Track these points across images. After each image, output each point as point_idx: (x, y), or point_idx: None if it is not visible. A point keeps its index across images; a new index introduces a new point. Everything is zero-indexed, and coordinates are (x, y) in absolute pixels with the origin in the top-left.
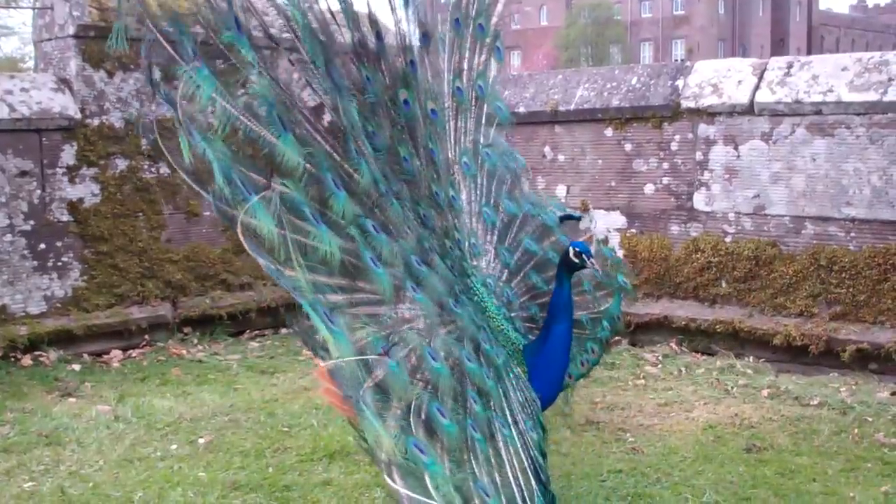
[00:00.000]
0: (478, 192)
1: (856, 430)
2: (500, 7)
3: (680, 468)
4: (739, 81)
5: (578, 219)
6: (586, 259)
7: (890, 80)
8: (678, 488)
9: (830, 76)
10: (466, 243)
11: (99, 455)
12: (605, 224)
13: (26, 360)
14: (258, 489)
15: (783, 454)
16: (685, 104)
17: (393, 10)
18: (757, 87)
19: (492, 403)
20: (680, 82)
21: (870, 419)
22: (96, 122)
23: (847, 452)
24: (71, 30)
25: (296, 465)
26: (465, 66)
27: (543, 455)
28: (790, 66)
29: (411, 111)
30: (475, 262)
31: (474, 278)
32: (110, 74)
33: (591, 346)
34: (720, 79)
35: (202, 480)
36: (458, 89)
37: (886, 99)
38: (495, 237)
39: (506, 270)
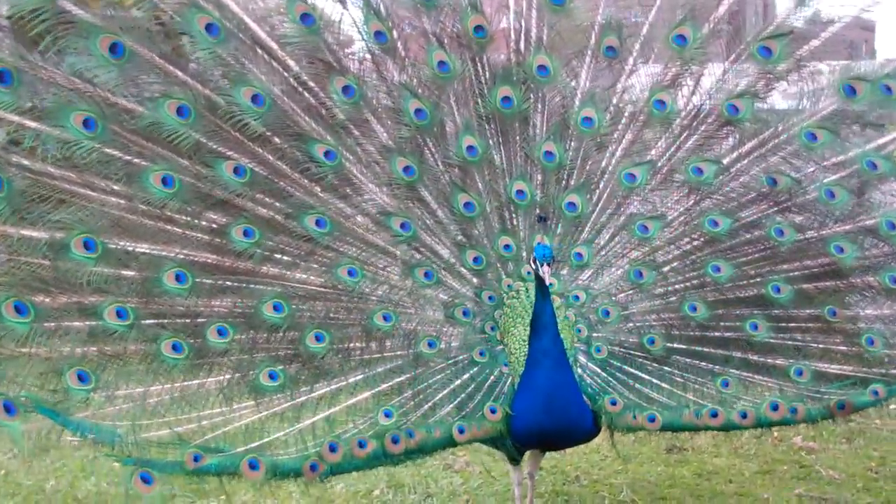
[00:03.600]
0: (639, 206)
1: (775, 434)
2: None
3: (600, 467)
4: None
5: (543, 220)
6: (538, 267)
7: None
8: (596, 486)
9: None
10: (554, 250)
11: (12, 443)
12: None
13: None
14: (173, 479)
15: (702, 455)
16: None
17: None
18: None
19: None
20: None
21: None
22: (28, 105)
23: (765, 455)
24: (4, 9)
25: None
26: (699, 82)
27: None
28: None
29: (513, 108)
30: (563, 271)
31: (525, 284)
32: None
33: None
34: None
35: (117, 470)
36: (660, 102)
37: None
38: (645, 253)
39: (634, 289)
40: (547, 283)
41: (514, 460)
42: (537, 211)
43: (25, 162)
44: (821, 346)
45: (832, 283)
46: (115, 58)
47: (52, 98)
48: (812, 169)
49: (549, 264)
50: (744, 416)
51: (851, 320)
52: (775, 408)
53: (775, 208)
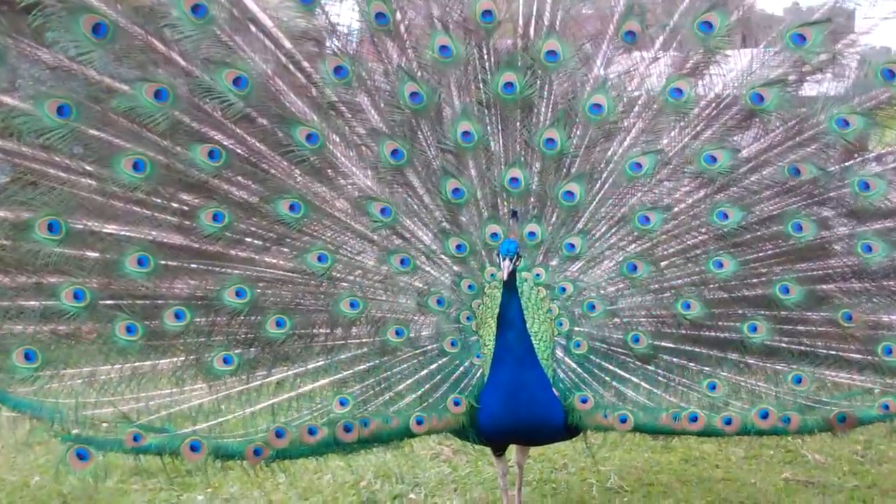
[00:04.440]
0: (643, 197)
1: None
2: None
3: (588, 454)
4: None
5: (515, 215)
6: (500, 260)
7: None
8: (583, 474)
9: None
10: (543, 236)
11: None
12: None
13: None
14: (159, 474)
15: (689, 441)
16: None
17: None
18: None
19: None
20: None
21: None
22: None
23: (751, 440)
24: None
25: None
26: (722, 70)
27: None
28: None
29: (515, 94)
30: (553, 261)
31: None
32: None
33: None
34: None
35: (102, 464)
36: (677, 90)
37: None
38: (643, 247)
39: (626, 283)
40: (504, 277)
41: (498, 452)
42: (526, 203)
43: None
44: (831, 352)
45: (860, 285)
46: (98, 37)
47: (31, 79)
48: (851, 162)
49: (511, 259)
50: (728, 422)
51: (870, 326)
52: (765, 416)
53: (803, 202)
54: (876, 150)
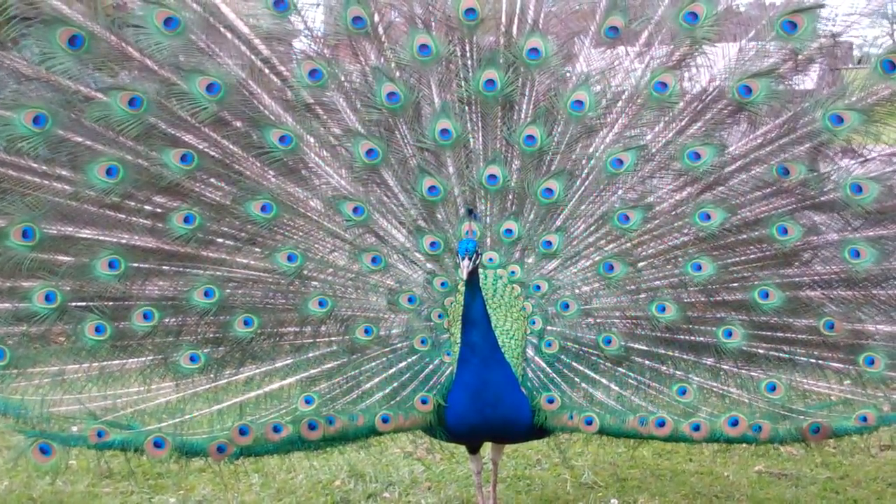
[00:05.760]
0: (624, 195)
1: None
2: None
3: (561, 450)
4: None
5: (470, 213)
6: (459, 261)
7: None
8: (557, 469)
9: None
10: (520, 234)
11: None
12: None
13: None
14: (130, 477)
15: None
16: None
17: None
18: None
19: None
20: None
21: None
22: None
23: None
24: None
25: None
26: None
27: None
28: None
29: (495, 92)
30: (529, 259)
31: (485, 271)
32: None
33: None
34: None
35: (73, 468)
36: (662, 84)
37: None
38: (622, 246)
39: (602, 283)
40: (464, 276)
41: (472, 449)
42: (504, 200)
43: None
44: (811, 360)
45: (847, 293)
46: (74, 49)
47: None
48: (847, 162)
49: (470, 258)
50: (696, 428)
51: (853, 335)
52: (735, 423)
53: (790, 204)
54: (873, 150)
